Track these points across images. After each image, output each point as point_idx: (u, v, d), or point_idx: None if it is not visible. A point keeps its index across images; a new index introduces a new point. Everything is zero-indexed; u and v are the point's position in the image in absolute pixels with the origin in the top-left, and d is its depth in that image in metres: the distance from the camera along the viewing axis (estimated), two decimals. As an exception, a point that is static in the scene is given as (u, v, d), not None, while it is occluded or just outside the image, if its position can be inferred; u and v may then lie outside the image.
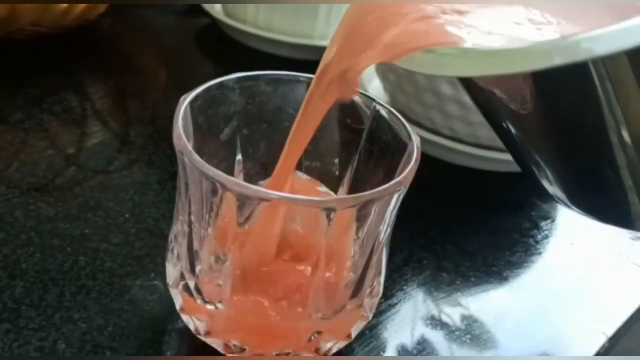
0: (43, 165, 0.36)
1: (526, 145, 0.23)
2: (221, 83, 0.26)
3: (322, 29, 0.53)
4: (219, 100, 0.27)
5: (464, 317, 0.31)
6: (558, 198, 0.25)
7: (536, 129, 0.22)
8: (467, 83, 0.23)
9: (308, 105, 0.24)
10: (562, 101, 0.19)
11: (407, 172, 0.23)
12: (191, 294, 0.25)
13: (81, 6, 0.48)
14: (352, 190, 0.29)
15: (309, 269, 0.25)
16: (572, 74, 0.17)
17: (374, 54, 0.20)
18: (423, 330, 0.30)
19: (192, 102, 0.25)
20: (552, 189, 0.24)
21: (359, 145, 0.28)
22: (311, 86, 0.23)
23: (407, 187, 0.23)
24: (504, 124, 0.23)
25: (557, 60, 0.15)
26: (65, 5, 0.47)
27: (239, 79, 0.27)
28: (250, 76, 0.27)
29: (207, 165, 0.21)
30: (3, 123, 0.40)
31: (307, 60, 0.53)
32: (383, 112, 0.27)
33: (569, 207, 0.25)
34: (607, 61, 0.17)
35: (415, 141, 0.24)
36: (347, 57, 0.21)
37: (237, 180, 0.21)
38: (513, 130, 0.23)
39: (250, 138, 0.29)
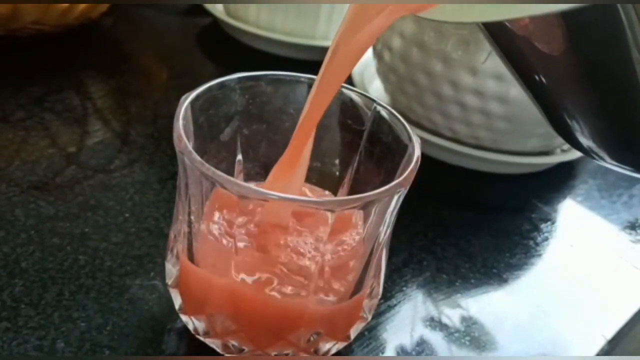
0: (44, 164, 0.36)
1: (558, 94, 0.23)
2: (222, 83, 0.26)
3: (324, 30, 0.53)
4: (219, 100, 0.27)
5: (464, 319, 0.31)
6: (593, 151, 0.24)
7: (567, 75, 0.21)
8: (498, 34, 0.23)
9: (322, 80, 0.23)
10: (592, 45, 0.19)
11: (408, 173, 0.23)
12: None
13: (83, 5, 0.48)
14: (352, 191, 0.29)
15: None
16: (602, 16, 0.17)
17: (395, 9, 0.20)
18: (422, 331, 0.30)
19: (192, 102, 0.25)
20: (587, 141, 0.24)
21: (359, 146, 0.28)
22: (324, 64, 0.23)
23: (407, 188, 0.23)
24: (536, 76, 0.22)
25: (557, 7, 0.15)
26: (67, 4, 0.47)
27: (240, 79, 0.27)
28: (251, 76, 0.27)
29: (207, 166, 0.21)
30: (4, 121, 0.40)
31: (308, 60, 0.53)
32: (384, 113, 0.27)
33: (603, 160, 0.24)
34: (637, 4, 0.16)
35: (416, 143, 0.24)
36: (366, 20, 0.21)
37: (236, 181, 0.21)
38: (544, 79, 0.22)
39: (251, 138, 0.29)
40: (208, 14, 0.56)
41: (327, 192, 0.30)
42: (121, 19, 0.56)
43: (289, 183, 0.26)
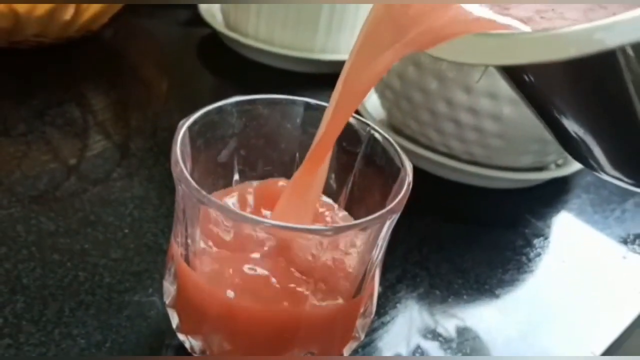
0: (45, 179, 0.37)
1: (562, 113, 0.23)
2: (219, 107, 0.27)
3: (322, 43, 0.54)
4: (217, 123, 0.27)
5: (456, 335, 0.32)
6: (597, 165, 0.24)
7: (570, 101, 0.22)
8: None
9: (338, 105, 0.24)
10: (591, 81, 0.19)
11: (399, 199, 0.23)
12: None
13: (85, 17, 0.49)
14: (346, 210, 0.30)
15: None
16: (599, 60, 0.17)
17: (404, 45, 0.20)
18: (415, 348, 0.31)
19: (190, 127, 0.25)
20: (590, 155, 0.24)
21: (353, 168, 0.29)
22: (336, 93, 0.24)
23: (400, 213, 0.24)
24: (537, 92, 0.23)
25: (573, 52, 0.15)
26: (69, 16, 0.47)
27: (237, 102, 0.28)
28: (248, 100, 0.28)
29: (203, 193, 0.22)
30: (5, 135, 0.41)
31: (306, 73, 0.54)
32: (377, 136, 0.28)
33: (604, 172, 0.25)
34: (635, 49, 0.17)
35: (408, 167, 0.25)
36: (376, 53, 0.21)
37: (233, 209, 0.22)
38: (547, 98, 0.22)
39: (248, 159, 0.29)
40: (207, 25, 0.57)
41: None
42: (121, 30, 0.57)
43: (305, 197, 0.26)
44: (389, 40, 0.21)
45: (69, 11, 0.47)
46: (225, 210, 0.21)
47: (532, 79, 0.21)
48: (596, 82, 0.19)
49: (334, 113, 0.24)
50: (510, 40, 0.17)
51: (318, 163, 0.26)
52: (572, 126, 0.23)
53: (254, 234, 0.24)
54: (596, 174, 0.26)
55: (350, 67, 0.23)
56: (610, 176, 0.25)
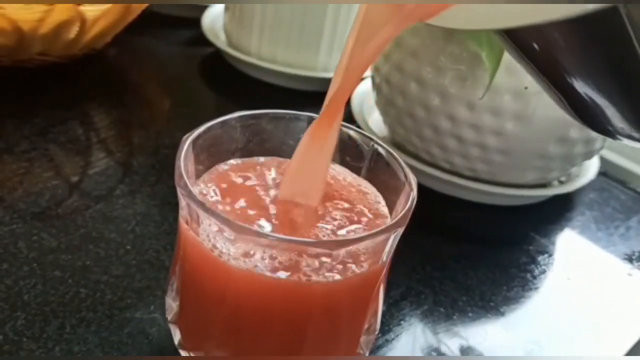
0: (47, 196, 0.37)
1: (573, 77, 0.23)
2: (223, 122, 0.27)
3: (324, 61, 0.54)
4: (220, 138, 0.27)
5: (461, 353, 0.32)
6: (613, 130, 0.24)
7: (578, 64, 0.22)
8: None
9: (345, 76, 0.23)
10: (598, 42, 0.19)
11: (404, 213, 0.23)
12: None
13: (89, 36, 0.49)
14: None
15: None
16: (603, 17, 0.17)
17: (401, 18, 0.20)
18: (420, 366, 0.30)
19: (194, 141, 0.25)
20: (606, 120, 0.24)
21: (357, 183, 0.29)
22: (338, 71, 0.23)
23: (404, 227, 0.23)
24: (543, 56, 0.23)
25: (562, 12, 0.15)
26: (73, 35, 0.48)
27: (240, 117, 0.28)
28: (252, 115, 0.28)
29: (206, 206, 0.22)
30: (9, 153, 0.41)
31: (309, 91, 0.54)
32: (381, 150, 0.27)
33: (619, 135, 0.24)
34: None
35: (413, 182, 0.25)
36: (377, 27, 0.21)
37: (235, 221, 0.21)
38: (555, 64, 0.22)
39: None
40: (210, 45, 0.57)
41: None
42: (125, 49, 0.57)
43: (320, 152, 0.26)
44: (387, 15, 0.21)
45: (74, 30, 0.47)
46: (228, 222, 0.21)
47: (536, 43, 0.21)
48: (602, 40, 0.19)
49: (346, 74, 0.23)
50: (501, 4, 0.17)
51: (332, 118, 0.25)
52: (582, 88, 0.23)
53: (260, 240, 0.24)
54: (611, 138, 0.25)
55: (355, 38, 0.23)
56: (626, 137, 0.24)
